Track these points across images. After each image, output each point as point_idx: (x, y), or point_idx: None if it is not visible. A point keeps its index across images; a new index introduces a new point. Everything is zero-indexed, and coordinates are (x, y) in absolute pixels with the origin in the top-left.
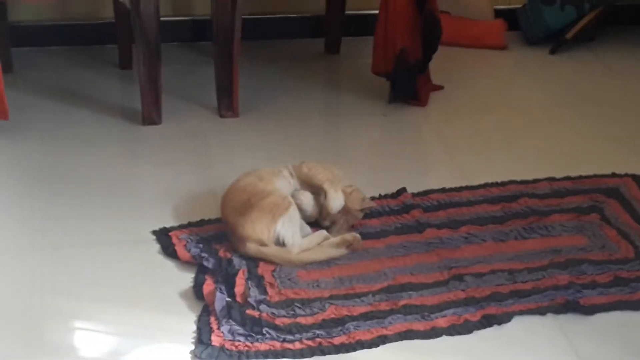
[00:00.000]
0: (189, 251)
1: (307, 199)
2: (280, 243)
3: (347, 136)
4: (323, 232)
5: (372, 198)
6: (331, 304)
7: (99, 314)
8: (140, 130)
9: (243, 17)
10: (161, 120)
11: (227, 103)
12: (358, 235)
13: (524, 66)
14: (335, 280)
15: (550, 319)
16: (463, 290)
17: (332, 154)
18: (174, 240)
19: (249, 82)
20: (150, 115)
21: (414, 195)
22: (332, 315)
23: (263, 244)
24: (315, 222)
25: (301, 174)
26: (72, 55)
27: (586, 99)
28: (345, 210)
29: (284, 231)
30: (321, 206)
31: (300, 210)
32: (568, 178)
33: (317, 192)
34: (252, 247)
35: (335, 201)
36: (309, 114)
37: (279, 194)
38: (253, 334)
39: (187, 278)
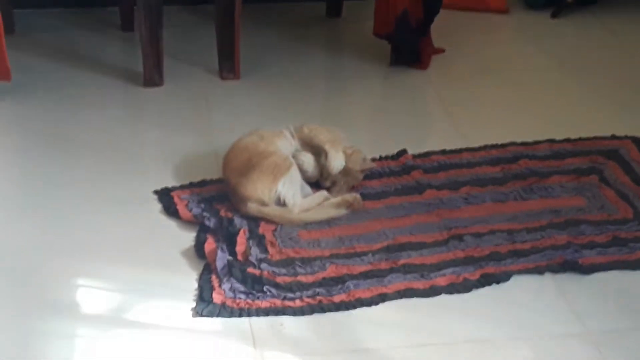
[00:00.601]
0: (190, 211)
1: (308, 160)
2: (281, 203)
3: (348, 99)
4: (324, 193)
5: (373, 159)
6: (331, 262)
7: (102, 272)
8: (142, 92)
9: None
10: (163, 82)
11: (228, 65)
12: (358, 196)
13: (525, 30)
14: (336, 239)
15: (548, 278)
16: (462, 250)
17: (333, 116)
18: (176, 200)
19: (250, 44)
20: (152, 77)
21: (414, 156)
22: (333, 274)
23: (264, 203)
24: (316, 183)
25: (302, 135)
26: (73, 18)
27: (588, 62)
28: (345, 171)
29: (284, 191)
30: (322, 167)
31: (301, 171)
32: (568, 140)
33: (318, 153)
34: (253, 207)
35: (336, 161)
36: (311, 77)
37: (280, 155)
38: (254, 292)
39: (188, 237)
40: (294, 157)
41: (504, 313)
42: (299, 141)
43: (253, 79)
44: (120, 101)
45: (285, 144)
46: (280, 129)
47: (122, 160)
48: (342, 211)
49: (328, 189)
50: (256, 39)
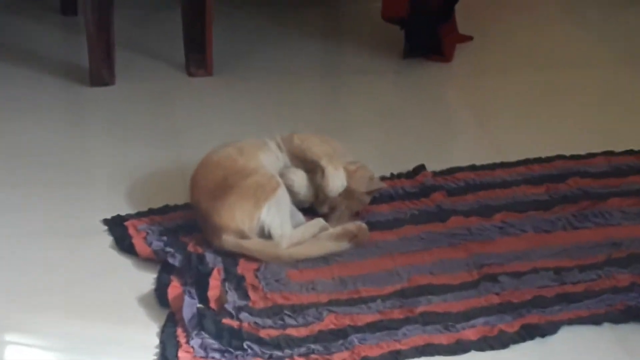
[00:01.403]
0: (149, 245)
1: (299, 179)
2: (265, 235)
3: (350, 101)
4: (320, 221)
5: (382, 178)
6: (330, 311)
7: (35, 325)
8: (88, 93)
9: None
10: (114, 80)
11: (197, 58)
12: (364, 225)
13: (573, 12)
14: (335, 281)
15: (607, 330)
16: (497, 294)
17: (331, 123)
18: (131, 231)
19: (225, 32)
20: (100, 73)
21: (435, 174)
22: (332, 326)
23: (244, 235)
24: (310, 209)
25: (292, 147)
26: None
27: None
28: (347, 193)
29: (270, 219)
30: (317, 188)
31: (291, 193)
32: (631, 152)
33: (312, 169)
34: (229, 240)
35: (335, 181)
36: (302, 73)
37: (264, 173)
38: (231, 350)
39: (147, 279)
40: (281, 175)
41: None
42: (288, 154)
43: (229, 75)
44: (61, 104)
45: (271, 159)
46: (263, 140)
47: (63, 180)
48: (344, 244)
49: (325, 216)
50: (234, 25)
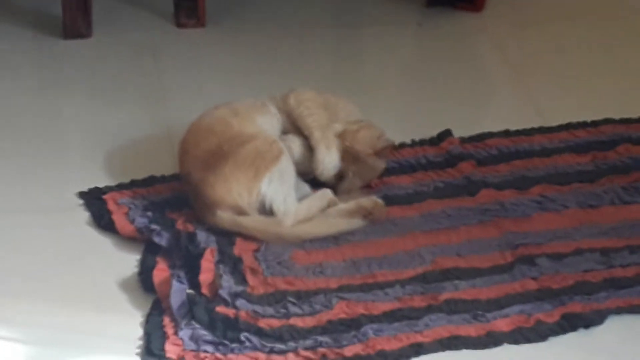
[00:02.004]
0: (132, 222)
1: (298, 148)
2: (266, 211)
3: (365, 56)
4: (327, 193)
5: (402, 145)
6: (341, 298)
7: (5, 315)
8: (62, 46)
9: None
10: (91, 31)
11: (188, 7)
12: (380, 201)
13: None
14: (347, 264)
15: None
16: (534, 279)
17: (342, 82)
18: (111, 206)
19: None
20: (75, 24)
21: (463, 140)
22: (343, 315)
23: (242, 211)
24: (315, 179)
25: (288, 109)
26: None
27: None
28: (353, 157)
29: (271, 193)
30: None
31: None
32: None
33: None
34: (225, 217)
35: (325, 163)
36: (309, 24)
37: (265, 138)
38: (226, 342)
39: (129, 261)
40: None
41: None
42: (284, 116)
43: (224, 26)
44: (30, 60)
45: (271, 122)
46: (262, 100)
47: (32, 147)
48: (357, 222)
49: (334, 187)
50: None
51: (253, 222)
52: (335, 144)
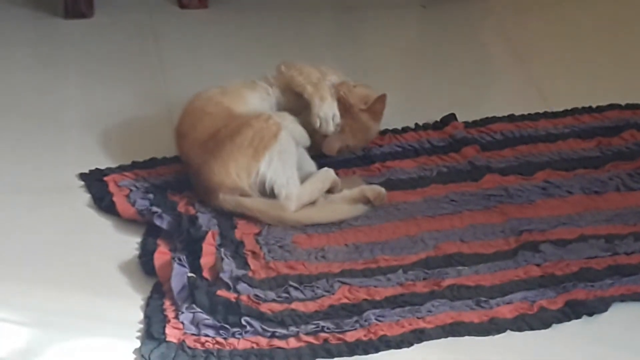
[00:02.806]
0: (133, 204)
1: (291, 124)
2: (267, 193)
3: (368, 39)
4: (329, 173)
5: (406, 129)
6: (343, 283)
7: (5, 297)
8: (63, 26)
9: None
10: (93, 11)
11: None
12: (382, 190)
13: None
14: (349, 248)
15: None
16: (538, 265)
17: (345, 64)
18: (112, 188)
19: None
20: (77, 4)
21: (467, 125)
22: (345, 300)
23: (244, 193)
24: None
25: (279, 78)
26: None
27: None
28: (346, 110)
29: (272, 173)
30: (313, 129)
31: None
32: None
33: (300, 105)
34: (228, 199)
35: (321, 112)
36: (312, 5)
37: (260, 115)
38: (227, 326)
39: (130, 243)
40: None
41: (600, 358)
42: (278, 88)
43: (227, 7)
44: (31, 40)
45: (261, 97)
46: (251, 79)
47: (33, 127)
48: (360, 208)
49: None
50: None
51: (256, 203)
52: (329, 94)
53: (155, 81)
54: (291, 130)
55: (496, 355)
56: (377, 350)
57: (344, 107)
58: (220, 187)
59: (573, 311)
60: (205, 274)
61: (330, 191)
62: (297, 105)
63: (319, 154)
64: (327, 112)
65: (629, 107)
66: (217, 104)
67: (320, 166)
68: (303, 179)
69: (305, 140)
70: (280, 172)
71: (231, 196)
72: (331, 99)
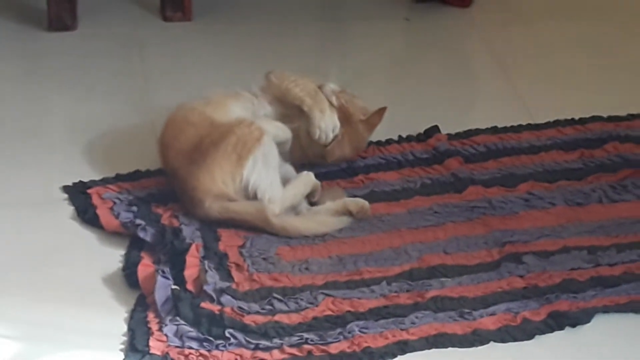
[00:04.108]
0: (117, 216)
1: (275, 129)
2: (251, 197)
3: (352, 51)
4: (310, 177)
5: (390, 141)
6: (327, 295)
7: None
8: (46, 38)
9: None
10: (77, 24)
11: (174, 0)
12: (366, 204)
13: None
14: (333, 260)
15: None
16: (521, 277)
17: (329, 76)
18: (95, 200)
19: None
20: (61, 16)
21: (450, 137)
22: (328, 312)
23: (230, 199)
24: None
25: (271, 88)
26: None
27: None
28: (345, 118)
29: (255, 177)
30: (302, 137)
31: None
32: None
33: (295, 115)
34: (214, 206)
35: (322, 124)
36: (296, 18)
37: (242, 122)
38: (211, 338)
39: (114, 256)
40: None
41: None
42: (267, 98)
43: (210, 20)
44: (14, 52)
45: (244, 106)
46: (234, 89)
47: (16, 139)
48: (344, 220)
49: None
50: None
51: (244, 207)
52: (328, 105)
53: (139, 93)
54: (273, 131)
55: None
56: None
57: (344, 115)
58: (207, 195)
59: (556, 322)
60: (189, 286)
61: (311, 195)
62: (286, 115)
63: (310, 162)
64: (328, 124)
65: (611, 119)
66: (200, 114)
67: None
68: (284, 184)
69: (287, 133)
70: (263, 176)
71: (218, 203)
72: (330, 111)
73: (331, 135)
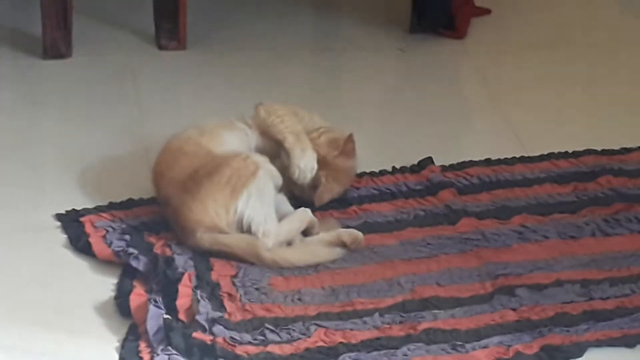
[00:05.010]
0: (109, 245)
1: (267, 165)
2: (245, 230)
3: (346, 83)
4: (306, 213)
5: (383, 172)
6: (319, 326)
7: None
8: (41, 66)
9: None
10: (71, 51)
11: (169, 28)
12: (360, 235)
13: None
14: (326, 291)
15: None
16: (514, 310)
17: (323, 108)
18: (88, 228)
19: None
20: (56, 44)
21: (444, 168)
22: (320, 343)
23: (222, 231)
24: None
25: (258, 121)
26: None
27: None
28: (321, 163)
29: (249, 211)
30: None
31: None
32: None
33: (276, 149)
34: (206, 237)
35: (302, 165)
36: (291, 49)
37: (238, 155)
38: None
39: (106, 284)
40: None
41: None
42: (256, 130)
43: (205, 49)
44: (8, 79)
45: (239, 137)
46: (229, 118)
47: (9, 167)
48: (337, 252)
49: (311, 203)
50: None
51: (234, 239)
52: (310, 146)
53: (133, 122)
54: (268, 170)
55: None
56: None
57: (321, 162)
58: (199, 226)
59: (549, 356)
60: (181, 315)
61: (307, 231)
62: (273, 149)
63: (295, 197)
64: (307, 164)
65: (605, 152)
66: (195, 144)
67: (297, 207)
68: (280, 219)
69: (279, 180)
70: (258, 210)
71: (209, 234)
72: (311, 151)
73: (309, 176)
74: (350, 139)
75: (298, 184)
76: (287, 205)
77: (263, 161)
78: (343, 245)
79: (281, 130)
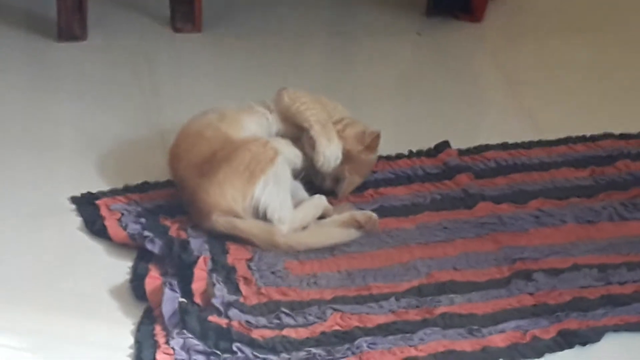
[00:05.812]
0: (125, 228)
1: (286, 149)
2: (261, 216)
3: (363, 66)
4: (322, 200)
5: (400, 156)
6: (335, 310)
7: None
8: (56, 49)
9: None
10: (86, 34)
11: (185, 11)
12: (374, 215)
13: None
14: (342, 275)
15: None
16: (531, 294)
17: (339, 92)
18: (104, 211)
19: None
20: (70, 26)
21: (460, 152)
22: (336, 327)
23: (237, 216)
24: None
25: (282, 107)
26: None
27: None
28: (344, 157)
29: (266, 197)
30: (310, 160)
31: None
32: None
33: (297, 135)
34: (220, 220)
35: (327, 155)
36: (307, 32)
37: (257, 140)
38: (218, 352)
39: (121, 268)
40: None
41: None
42: (278, 115)
43: (221, 32)
44: (23, 62)
45: (259, 122)
46: (248, 103)
47: (24, 150)
48: (352, 233)
49: (331, 192)
50: None
51: (249, 226)
52: (336, 136)
53: (148, 105)
54: (287, 154)
55: None
56: None
57: (344, 155)
58: (215, 209)
59: (566, 341)
60: (197, 299)
61: (321, 218)
62: (294, 135)
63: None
64: (332, 153)
65: (622, 136)
66: (215, 129)
67: (312, 192)
68: (295, 206)
69: (300, 161)
70: (274, 196)
71: (225, 218)
72: (337, 141)
73: (333, 165)
74: (378, 136)
75: (320, 174)
76: (302, 192)
77: (284, 145)
78: (358, 225)
79: (307, 117)
